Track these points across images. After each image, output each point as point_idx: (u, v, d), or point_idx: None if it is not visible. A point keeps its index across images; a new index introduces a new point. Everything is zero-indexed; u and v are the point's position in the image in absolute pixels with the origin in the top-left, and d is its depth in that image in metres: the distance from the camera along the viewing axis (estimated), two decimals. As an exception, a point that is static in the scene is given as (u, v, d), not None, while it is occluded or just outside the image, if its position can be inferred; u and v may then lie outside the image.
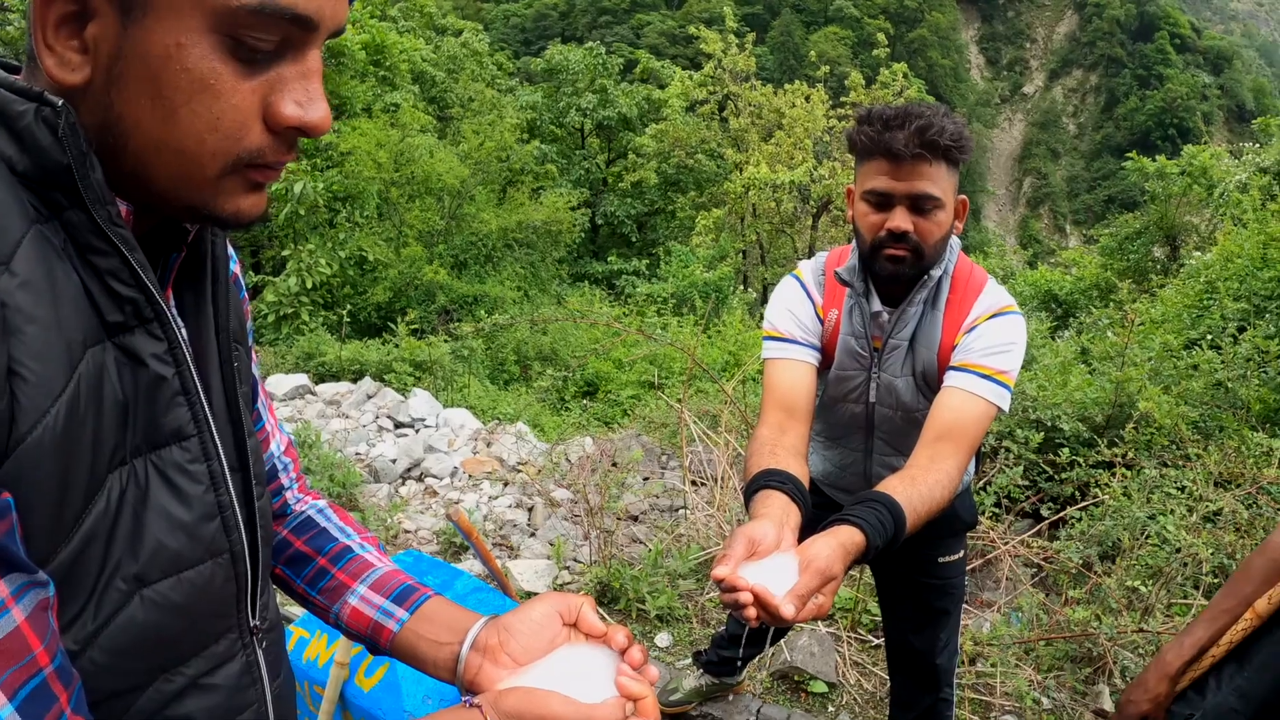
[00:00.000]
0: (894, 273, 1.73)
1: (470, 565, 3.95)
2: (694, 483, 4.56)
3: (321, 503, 1.13)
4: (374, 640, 1.00)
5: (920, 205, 1.67)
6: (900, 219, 1.67)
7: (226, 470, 0.80)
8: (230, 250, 0.91)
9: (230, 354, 0.84)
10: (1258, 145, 14.66)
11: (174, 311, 0.78)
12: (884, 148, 1.65)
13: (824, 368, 1.94)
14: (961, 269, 1.84)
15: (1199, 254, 8.85)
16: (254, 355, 1.01)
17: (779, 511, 1.35)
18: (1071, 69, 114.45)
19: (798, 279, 1.95)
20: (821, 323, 1.90)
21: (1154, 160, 16.42)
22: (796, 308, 1.90)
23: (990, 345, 1.72)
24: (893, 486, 1.44)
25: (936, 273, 1.78)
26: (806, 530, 1.33)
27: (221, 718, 0.83)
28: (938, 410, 1.69)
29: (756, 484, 1.47)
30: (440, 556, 4.12)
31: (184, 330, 0.78)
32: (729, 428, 4.61)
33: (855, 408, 1.97)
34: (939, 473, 1.54)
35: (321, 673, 1.87)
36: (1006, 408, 1.70)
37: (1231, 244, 7.69)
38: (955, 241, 1.84)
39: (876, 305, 1.83)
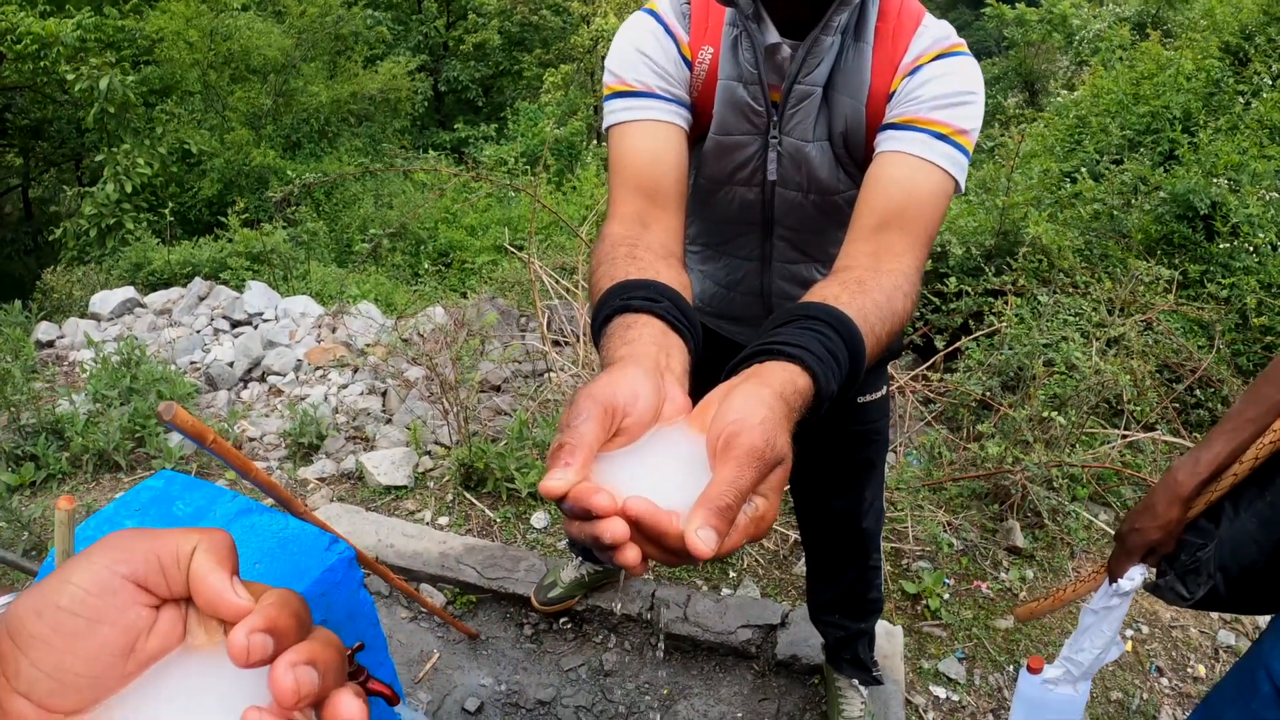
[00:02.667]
0: None
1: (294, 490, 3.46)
2: (555, 343, 4.14)
3: None
4: None
5: None
6: None
7: None
8: None
9: None
10: (1118, -5, 14.89)
11: None
12: None
13: (696, 136, 1.36)
14: None
15: (1066, 92, 8.86)
16: None
17: (652, 349, 0.81)
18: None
19: (650, 11, 1.34)
20: (690, 66, 1.32)
21: (1013, 8, 16.59)
22: (650, 47, 1.29)
23: (943, 93, 1.20)
24: (833, 295, 0.93)
25: None
26: (697, 385, 0.81)
27: None
28: (878, 185, 1.16)
29: (610, 306, 0.90)
30: (290, 461, 3.61)
31: None
32: (586, 278, 4.17)
33: (747, 193, 1.42)
34: (894, 274, 1.04)
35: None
36: (963, 185, 1.19)
37: (1101, 81, 7.66)
38: None
39: (774, 35, 1.26)
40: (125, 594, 0.45)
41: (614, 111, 1.27)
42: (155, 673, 0.44)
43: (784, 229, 1.47)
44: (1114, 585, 1.43)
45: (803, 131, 1.32)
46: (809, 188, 1.38)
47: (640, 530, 0.60)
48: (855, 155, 1.32)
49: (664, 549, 0.61)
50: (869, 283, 0.99)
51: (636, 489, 0.63)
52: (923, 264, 1.12)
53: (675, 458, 0.68)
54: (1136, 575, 1.40)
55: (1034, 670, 1.64)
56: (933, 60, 1.23)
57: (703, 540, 0.58)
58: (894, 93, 1.24)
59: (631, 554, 0.60)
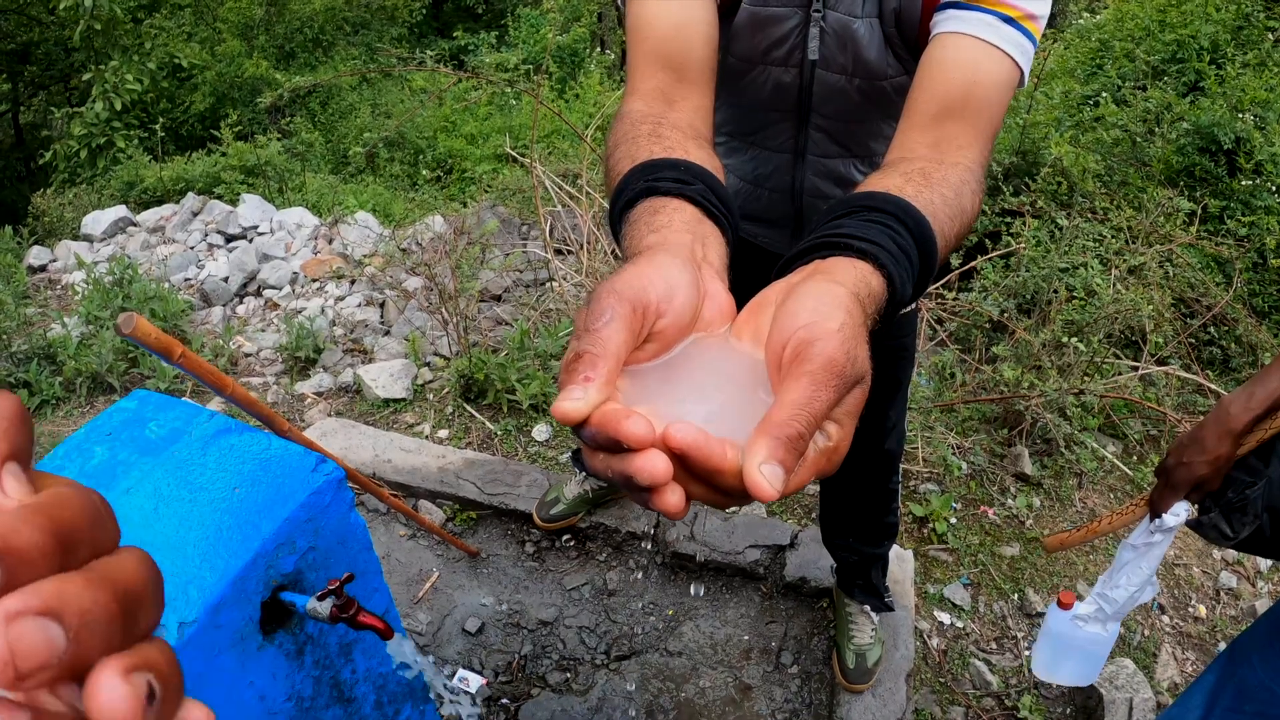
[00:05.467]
0: None
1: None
2: (558, 251, 4.03)
3: None
4: None
5: None
6: None
7: None
8: None
9: None
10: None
11: None
12: None
13: (728, 7, 1.20)
14: None
15: (1089, 15, 8.59)
16: None
17: (686, 236, 0.68)
18: None
19: None
20: None
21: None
22: None
23: None
24: (895, 186, 0.79)
25: None
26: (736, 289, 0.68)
27: None
28: (938, 69, 1.00)
29: (634, 189, 0.77)
30: (287, 376, 3.53)
31: None
32: (592, 184, 4.03)
33: (782, 74, 1.27)
34: (959, 168, 0.89)
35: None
36: (1027, 78, 1.04)
37: (1126, 5, 7.41)
38: None
39: None
40: None
41: None
42: None
43: (822, 117, 1.33)
44: (1156, 521, 1.36)
45: (850, 5, 1.18)
46: (854, 70, 1.24)
47: (686, 466, 0.46)
48: (907, 36, 1.18)
49: (715, 489, 0.48)
50: (935, 175, 0.84)
51: (677, 411, 0.50)
52: (987, 161, 0.99)
53: (724, 372, 0.55)
54: (1180, 511, 1.34)
55: (1064, 605, 1.57)
56: None
57: (767, 478, 0.45)
58: None
59: (674, 498, 0.47)
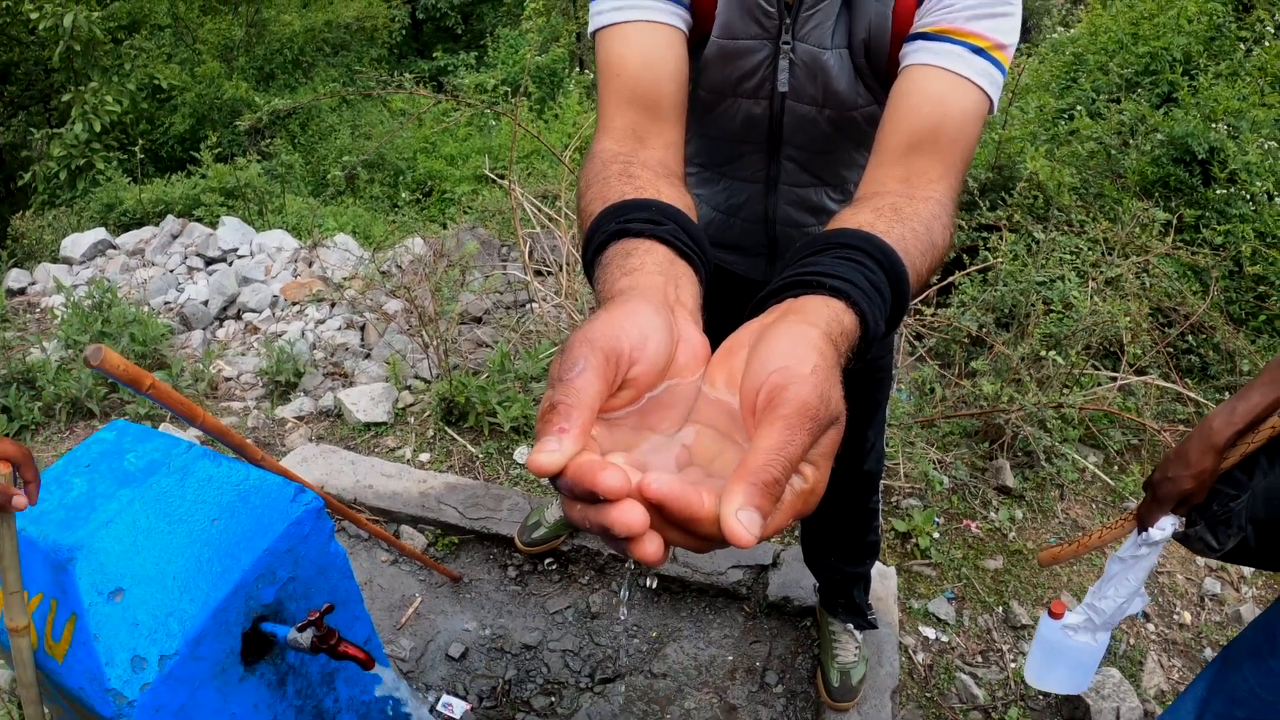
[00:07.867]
0: None
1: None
2: (538, 272, 4.04)
3: None
4: None
5: None
6: None
7: None
8: None
9: None
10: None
11: None
12: None
13: (697, 39, 1.20)
14: None
15: (1062, 29, 8.71)
16: None
17: (659, 279, 0.70)
18: None
19: None
20: None
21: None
22: None
23: (981, 0, 1.02)
24: (866, 223, 0.80)
25: None
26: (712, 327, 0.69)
27: None
28: (908, 102, 1.00)
29: (605, 231, 0.78)
30: (267, 400, 3.51)
31: None
32: (570, 206, 4.05)
33: (753, 106, 1.27)
34: (930, 202, 0.90)
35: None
36: (997, 107, 1.04)
37: (1100, 19, 7.51)
38: None
39: None
40: None
41: (602, 13, 1.08)
42: None
43: (793, 148, 1.34)
44: (1143, 534, 1.40)
45: (819, 37, 1.18)
46: (824, 101, 1.24)
47: (663, 515, 0.47)
48: (876, 67, 1.18)
49: (692, 535, 0.48)
50: (905, 210, 0.85)
51: (653, 459, 0.51)
52: (958, 193, 0.99)
53: (698, 418, 0.56)
54: (1167, 525, 1.37)
55: (1055, 615, 1.61)
56: None
57: (745, 525, 0.45)
58: None
59: (651, 546, 0.47)
